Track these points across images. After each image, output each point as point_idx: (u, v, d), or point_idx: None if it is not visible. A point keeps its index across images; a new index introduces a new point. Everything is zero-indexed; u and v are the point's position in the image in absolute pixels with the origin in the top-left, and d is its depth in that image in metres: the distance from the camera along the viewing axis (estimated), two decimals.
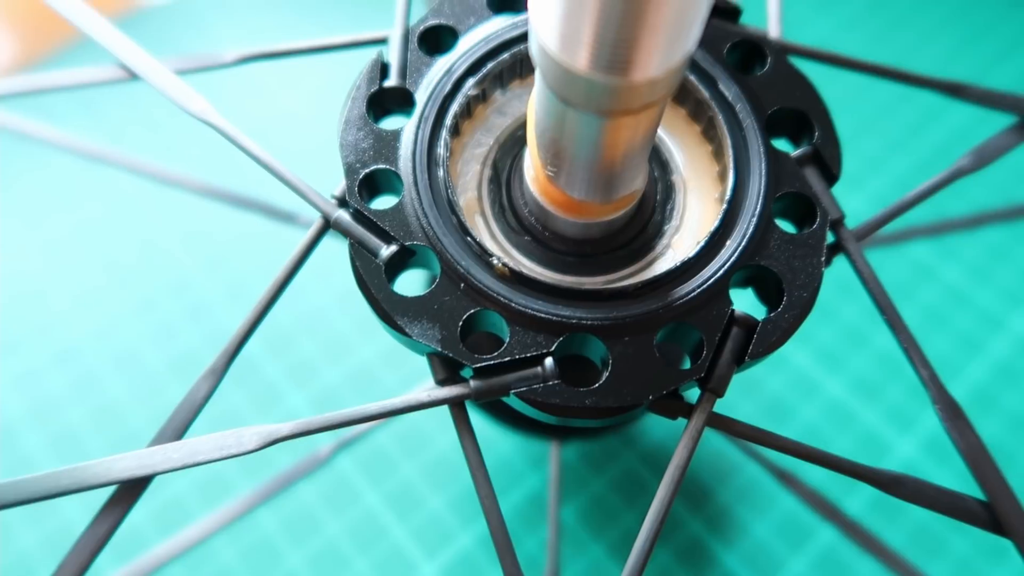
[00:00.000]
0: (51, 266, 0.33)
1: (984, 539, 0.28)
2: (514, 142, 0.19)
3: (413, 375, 0.31)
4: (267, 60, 0.20)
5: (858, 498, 0.28)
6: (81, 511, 0.28)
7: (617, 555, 0.27)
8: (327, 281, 0.32)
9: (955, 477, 0.29)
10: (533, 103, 0.15)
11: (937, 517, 0.28)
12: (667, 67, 0.12)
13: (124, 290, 0.32)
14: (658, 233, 0.18)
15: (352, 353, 0.31)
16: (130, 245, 0.33)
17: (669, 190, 0.18)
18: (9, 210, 0.34)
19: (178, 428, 0.16)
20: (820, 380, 0.31)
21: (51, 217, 0.34)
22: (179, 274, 0.33)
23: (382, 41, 0.20)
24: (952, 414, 0.16)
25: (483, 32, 0.18)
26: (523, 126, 0.19)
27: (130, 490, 0.16)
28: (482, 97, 0.18)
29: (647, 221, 0.18)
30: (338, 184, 0.17)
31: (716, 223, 0.16)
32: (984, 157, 0.18)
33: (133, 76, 0.19)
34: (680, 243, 0.18)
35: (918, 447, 0.29)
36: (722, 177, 0.18)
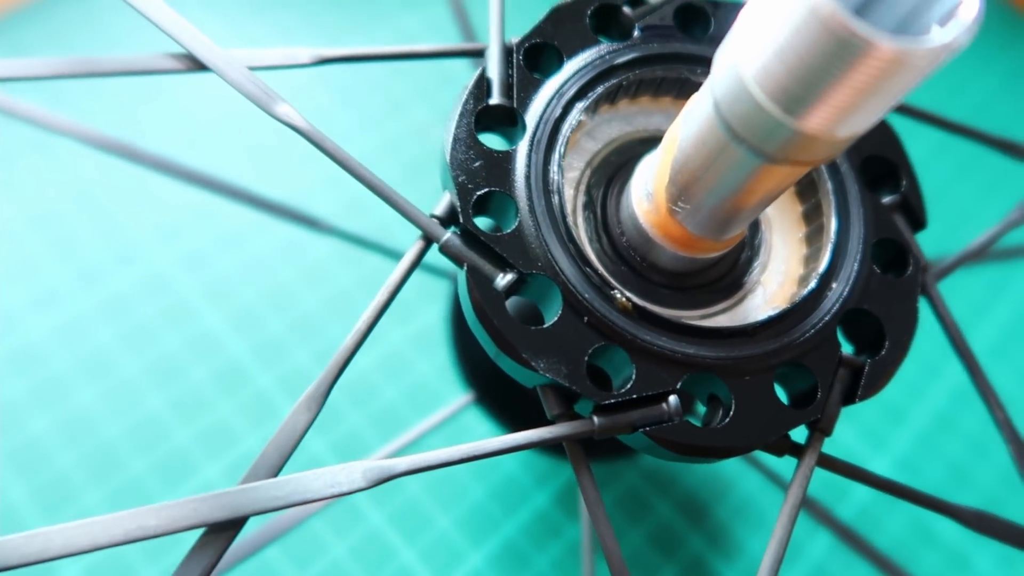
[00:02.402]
0: (4, 258, 0.29)
1: (950, 557, 0.30)
2: (606, 167, 0.18)
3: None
4: (346, 63, 0.18)
5: (845, 511, 0.30)
6: None
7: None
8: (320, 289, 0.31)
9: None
10: (677, 138, 0.15)
11: (910, 533, 0.30)
12: (855, 131, 0.12)
13: (91, 287, 0.29)
14: (747, 270, 0.18)
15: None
16: (96, 237, 0.30)
17: (756, 227, 0.19)
18: None
19: (275, 462, 0.15)
20: None
21: (3, 205, 0.30)
22: (153, 271, 0.30)
23: (471, 53, 0.19)
24: (1021, 453, 0.17)
25: (589, 56, 0.18)
26: (614, 151, 0.19)
27: (221, 532, 0.14)
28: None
29: (737, 257, 0.18)
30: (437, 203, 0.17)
31: (824, 265, 0.17)
32: None
33: (203, 69, 0.17)
34: (768, 280, 0.18)
35: (891, 465, 0.31)
36: (807, 218, 0.19)
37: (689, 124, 0.15)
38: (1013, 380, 0.34)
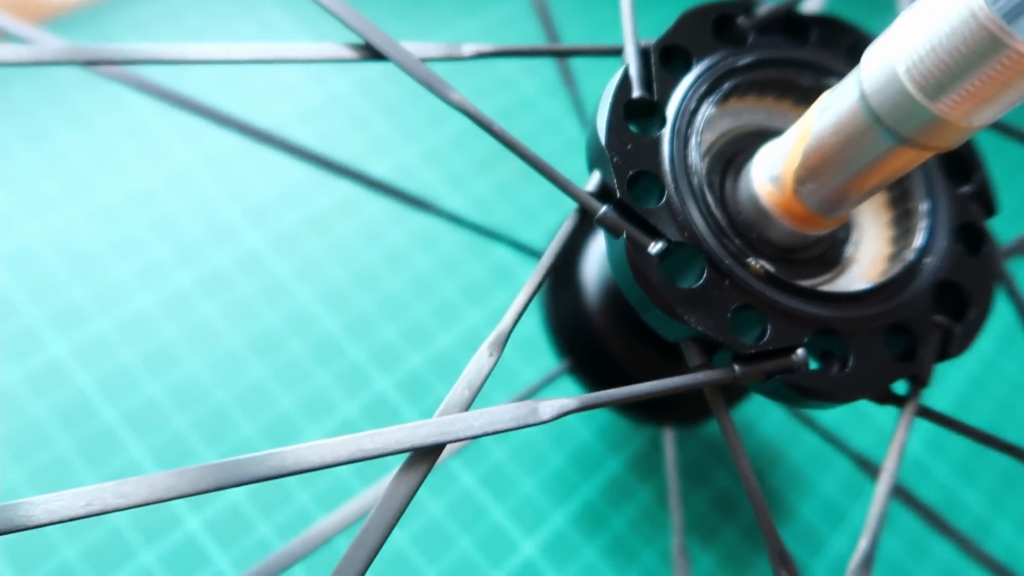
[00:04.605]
0: (107, 235, 0.31)
1: (975, 523, 0.33)
2: (721, 155, 0.21)
3: None
4: (503, 58, 0.21)
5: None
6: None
7: (691, 532, 0.30)
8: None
9: (949, 466, 0.34)
10: (811, 127, 0.18)
11: (943, 500, 0.33)
12: (986, 120, 0.15)
13: (190, 265, 0.31)
14: (842, 248, 0.21)
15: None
16: (191, 218, 0.32)
17: None
18: (58, 171, 0.32)
19: (465, 399, 0.17)
20: None
21: (103, 182, 0.32)
22: (246, 251, 0.32)
23: (608, 52, 0.21)
24: None
25: (714, 58, 0.20)
26: (729, 141, 0.21)
27: (425, 457, 0.17)
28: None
29: (836, 236, 0.21)
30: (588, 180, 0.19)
31: (922, 240, 0.20)
32: None
33: (380, 58, 0.20)
34: (862, 257, 0.21)
35: (920, 444, 0.34)
36: (894, 202, 0.21)
37: (827, 113, 0.17)
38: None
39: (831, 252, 0.21)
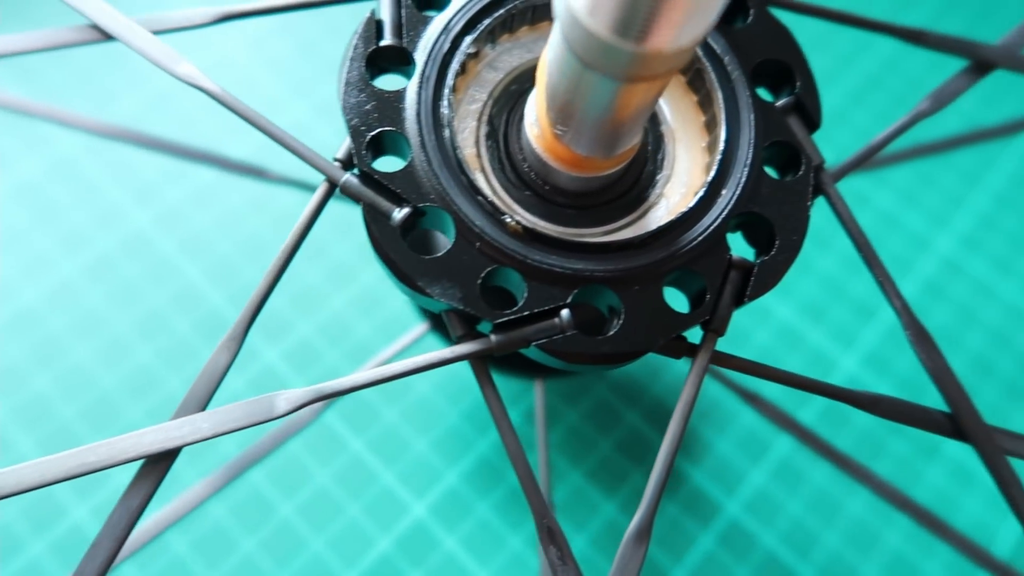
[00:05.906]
0: None
1: (919, 441, 0.31)
2: (507, 96, 0.19)
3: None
4: (246, 19, 0.19)
5: (809, 411, 0.31)
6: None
7: (595, 480, 0.29)
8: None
9: (893, 387, 0.32)
10: (545, 65, 0.16)
11: (877, 425, 0.31)
12: (691, 39, 0.13)
13: (76, 252, 0.31)
14: (651, 183, 0.19)
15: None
16: (76, 204, 0.32)
17: (659, 141, 0.19)
18: None
19: (201, 398, 0.16)
20: (771, 306, 0.33)
21: None
22: (132, 232, 0.32)
23: None
24: (921, 338, 0.18)
25: None
26: (515, 80, 0.19)
27: (157, 464, 0.16)
28: (474, 53, 0.19)
29: (640, 172, 0.19)
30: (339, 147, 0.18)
31: (712, 173, 0.17)
32: (941, 100, 0.20)
33: (108, 38, 0.18)
34: (672, 192, 0.19)
35: (859, 362, 0.32)
36: (708, 127, 0.19)
37: (551, 51, 0.15)
38: (988, 269, 0.34)
39: (635, 191, 0.19)
